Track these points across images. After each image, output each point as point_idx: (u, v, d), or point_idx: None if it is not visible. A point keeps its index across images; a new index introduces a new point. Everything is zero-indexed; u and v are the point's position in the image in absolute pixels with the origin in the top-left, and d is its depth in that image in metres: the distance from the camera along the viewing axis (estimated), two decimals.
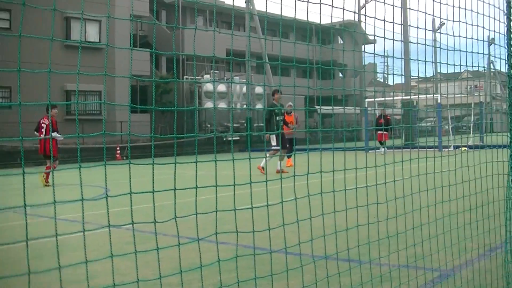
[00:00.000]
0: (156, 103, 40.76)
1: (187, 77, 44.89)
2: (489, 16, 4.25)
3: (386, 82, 78.65)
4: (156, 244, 2.68)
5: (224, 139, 39.08)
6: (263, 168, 16.62)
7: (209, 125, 41.61)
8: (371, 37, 56.96)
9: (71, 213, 9.58)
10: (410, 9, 3.81)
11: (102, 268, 5.50)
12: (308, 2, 3.20)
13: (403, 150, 4.44)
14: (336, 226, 3.42)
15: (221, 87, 43.43)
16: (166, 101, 42.25)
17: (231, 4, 3.42)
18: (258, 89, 45.84)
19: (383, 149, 26.23)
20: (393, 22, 3.80)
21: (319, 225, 3.44)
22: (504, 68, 4.22)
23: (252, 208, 2.99)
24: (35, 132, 16.70)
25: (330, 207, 3.55)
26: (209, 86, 42.47)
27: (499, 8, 4.25)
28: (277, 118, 17.31)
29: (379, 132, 27.73)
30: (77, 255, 6.19)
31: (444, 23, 4.15)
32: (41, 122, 16.69)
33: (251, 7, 41.47)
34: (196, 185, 2.83)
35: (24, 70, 2.27)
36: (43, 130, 16.40)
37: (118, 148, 30.83)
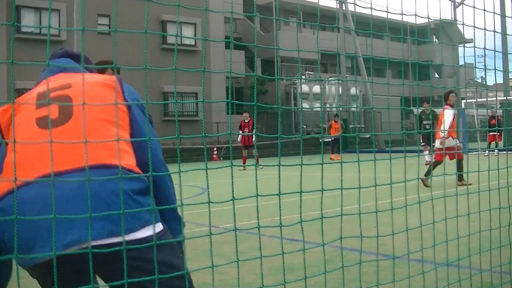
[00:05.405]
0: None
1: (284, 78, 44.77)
2: None
3: (484, 82, 76.16)
4: (282, 248, 2.49)
5: (320, 140, 38.78)
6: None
7: (304, 126, 41.31)
8: (468, 35, 55.21)
9: None
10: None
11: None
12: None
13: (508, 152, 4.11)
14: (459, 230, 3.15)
15: (316, 88, 43.01)
16: (262, 102, 42.16)
17: (326, 5, 3.21)
18: (353, 90, 45.16)
19: (487, 151, 25.41)
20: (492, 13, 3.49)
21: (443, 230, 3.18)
22: None
23: (359, 212, 2.77)
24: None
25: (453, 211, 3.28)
26: (304, 88, 42.19)
27: None
28: (424, 122, 18.74)
29: (490, 133, 26.67)
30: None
31: None
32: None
33: (344, 8, 40.92)
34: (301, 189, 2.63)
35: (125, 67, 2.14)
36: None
37: (215, 149, 31.06)
